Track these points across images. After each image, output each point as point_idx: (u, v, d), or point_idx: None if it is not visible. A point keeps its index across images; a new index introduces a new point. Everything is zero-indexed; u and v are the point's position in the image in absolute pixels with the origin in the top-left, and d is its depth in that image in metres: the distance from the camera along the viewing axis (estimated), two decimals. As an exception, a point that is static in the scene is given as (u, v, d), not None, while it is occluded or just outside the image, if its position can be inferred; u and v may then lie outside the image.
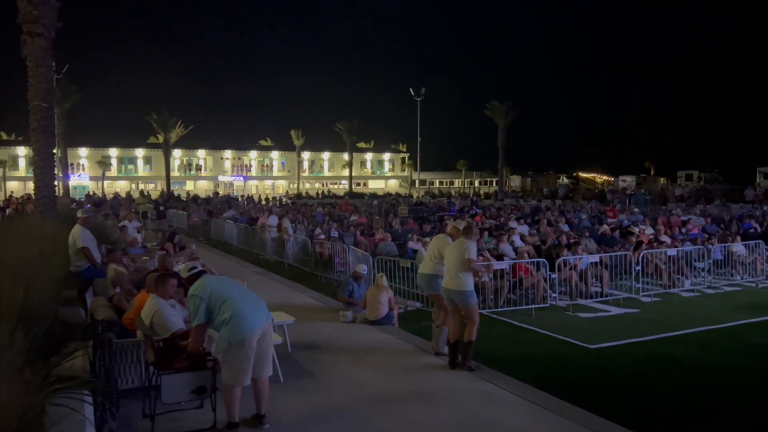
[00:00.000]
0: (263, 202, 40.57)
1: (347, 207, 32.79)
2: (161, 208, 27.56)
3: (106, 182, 57.66)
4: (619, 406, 6.36)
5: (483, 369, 7.12)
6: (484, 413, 5.72)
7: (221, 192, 58.20)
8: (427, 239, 15.91)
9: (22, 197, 35.65)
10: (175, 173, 63.42)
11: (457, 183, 77.46)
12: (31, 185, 14.32)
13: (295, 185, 68.55)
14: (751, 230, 17.27)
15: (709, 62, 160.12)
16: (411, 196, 57.69)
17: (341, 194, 60.84)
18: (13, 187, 55.29)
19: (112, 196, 42.29)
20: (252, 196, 52.35)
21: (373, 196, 56.97)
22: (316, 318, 9.81)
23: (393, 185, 76.90)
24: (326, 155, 76.40)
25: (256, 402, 5.30)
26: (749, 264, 14.33)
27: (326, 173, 76.90)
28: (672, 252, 13.09)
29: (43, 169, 12.96)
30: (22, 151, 58.99)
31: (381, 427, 5.44)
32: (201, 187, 65.80)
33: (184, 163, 69.86)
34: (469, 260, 6.88)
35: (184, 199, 45.00)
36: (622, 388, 7.07)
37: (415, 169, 66.38)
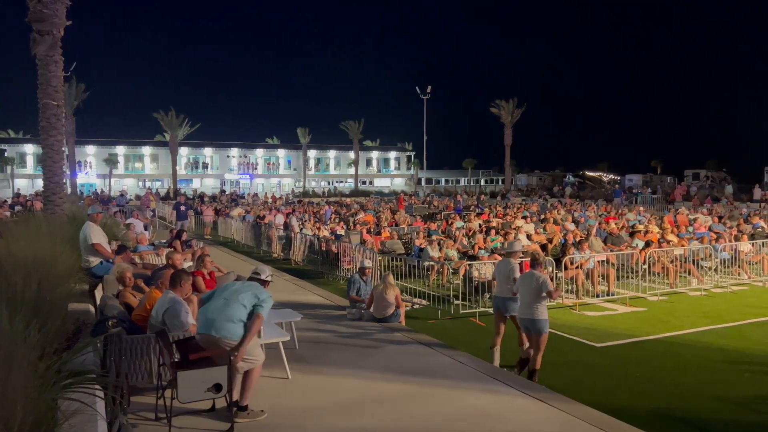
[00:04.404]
0: (270, 201, 40.62)
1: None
2: (182, 208, 24.33)
3: (113, 180, 57.76)
4: (625, 404, 6.38)
5: (491, 367, 7.19)
6: (491, 410, 5.75)
7: (228, 190, 58.29)
8: (434, 238, 15.98)
9: (32, 195, 35.82)
10: (181, 171, 63.57)
11: (463, 181, 77.23)
12: (38, 183, 14.42)
13: (301, 183, 68.58)
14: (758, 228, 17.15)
15: (717, 60, 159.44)
16: (417, 194, 57.62)
17: (346, 192, 60.79)
18: (21, 184, 55.46)
19: (118, 194, 42.36)
20: (257, 194, 52.44)
21: (380, 194, 56.89)
22: (324, 315, 9.86)
23: (399, 183, 76.79)
24: (332, 153, 76.27)
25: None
26: (757, 263, 14.30)
27: (332, 171, 76.73)
28: (679, 251, 13.07)
29: (52, 166, 13.04)
30: (29, 148, 59.17)
31: (388, 423, 5.47)
32: (207, 185, 65.90)
33: (191, 161, 69.95)
34: (550, 292, 7.27)
35: (191, 197, 45.06)
36: (628, 387, 7.09)
37: (421, 168, 66.23)
